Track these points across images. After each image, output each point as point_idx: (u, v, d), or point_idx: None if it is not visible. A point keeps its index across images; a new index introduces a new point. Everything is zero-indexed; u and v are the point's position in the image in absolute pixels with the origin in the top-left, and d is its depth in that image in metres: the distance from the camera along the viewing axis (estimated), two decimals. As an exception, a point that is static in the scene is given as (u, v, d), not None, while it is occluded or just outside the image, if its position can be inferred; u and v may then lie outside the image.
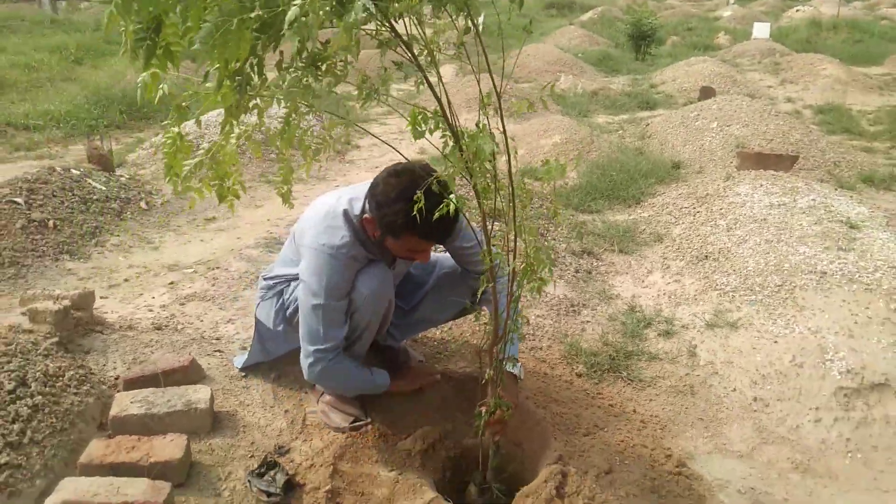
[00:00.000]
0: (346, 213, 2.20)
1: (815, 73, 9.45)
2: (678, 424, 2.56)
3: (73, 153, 6.24)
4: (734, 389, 2.72)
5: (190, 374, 2.61)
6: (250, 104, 1.47)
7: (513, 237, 1.77)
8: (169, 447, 2.15)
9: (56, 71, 10.61)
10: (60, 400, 2.29)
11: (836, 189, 4.44)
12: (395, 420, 2.45)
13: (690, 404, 2.68)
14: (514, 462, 2.34)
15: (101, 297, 3.43)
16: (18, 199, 4.12)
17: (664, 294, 3.42)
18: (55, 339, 2.73)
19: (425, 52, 1.52)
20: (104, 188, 4.68)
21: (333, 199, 2.29)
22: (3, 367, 2.30)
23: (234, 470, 2.24)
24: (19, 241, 3.86)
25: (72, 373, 2.45)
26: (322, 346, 2.20)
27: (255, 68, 1.36)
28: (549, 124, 6.37)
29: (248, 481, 2.15)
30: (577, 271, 3.62)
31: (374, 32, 1.45)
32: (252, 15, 1.20)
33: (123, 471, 2.06)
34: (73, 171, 4.76)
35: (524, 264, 1.78)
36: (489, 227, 1.81)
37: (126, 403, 2.33)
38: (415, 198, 1.74)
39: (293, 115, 1.59)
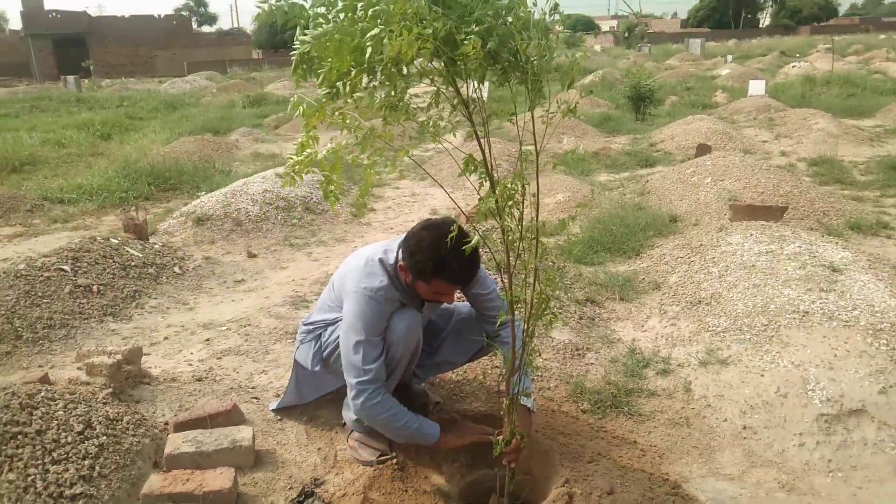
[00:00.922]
0: (381, 262, 2.54)
1: (807, 126, 9.85)
2: (675, 452, 2.82)
3: (105, 224, 6.66)
4: (725, 420, 2.98)
5: (232, 417, 2.90)
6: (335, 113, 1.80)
7: (531, 277, 2.09)
8: (219, 478, 2.43)
9: (84, 147, 11.22)
10: (121, 440, 2.59)
11: (822, 236, 4.74)
12: (418, 454, 2.72)
13: (686, 434, 2.93)
14: (527, 488, 2.60)
15: (145, 354, 3.74)
16: (66, 267, 4.49)
17: (661, 336, 3.70)
18: (110, 390, 3.05)
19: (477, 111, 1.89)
20: (141, 255, 5.05)
21: (371, 250, 2.65)
22: (71, 412, 2.61)
23: (276, 500, 2.51)
24: (67, 304, 4.22)
25: (129, 417, 2.76)
26: (364, 378, 2.47)
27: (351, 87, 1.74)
28: (553, 184, 6.74)
29: (289, 508, 2.43)
30: (580, 318, 3.91)
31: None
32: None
33: (180, 499, 2.34)
34: (113, 240, 5.15)
35: (538, 301, 2.10)
36: (511, 263, 2.12)
37: (178, 443, 2.63)
38: (444, 243, 2.15)
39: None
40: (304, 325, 2.89)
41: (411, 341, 2.59)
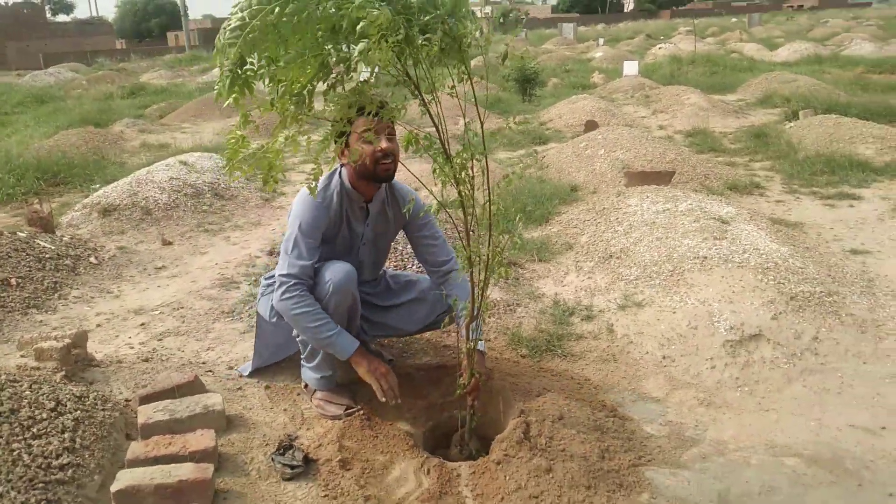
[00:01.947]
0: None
1: (681, 102, 10.70)
2: (607, 383, 3.18)
3: (-4, 221, 6.34)
4: (647, 352, 3.38)
5: (196, 387, 2.99)
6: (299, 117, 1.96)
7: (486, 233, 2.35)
8: (201, 439, 2.54)
9: (-53, 145, 10.41)
10: (94, 414, 2.64)
11: (708, 196, 5.30)
12: (381, 406, 2.92)
13: (614, 368, 3.31)
14: (485, 423, 2.88)
15: (82, 341, 3.72)
16: (-23, 262, 4.32)
17: (581, 289, 4.08)
18: (63, 373, 3.06)
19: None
20: (53, 247, 4.91)
21: None
22: (38, 392, 2.63)
23: (255, 456, 2.65)
24: (-14, 299, 4.08)
25: (94, 394, 2.80)
26: (287, 272, 2.64)
27: (308, 94, 1.90)
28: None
29: (273, 459, 2.58)
30: (507, 279, 4.23)
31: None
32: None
33: (166, 461, 2.44)
34: (20, 233, 4.96)
35: (493, 254, 2.36)
36: (468, 223, 2.36)
37: (150, 413, 2.70)
38: None
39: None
40: (265, 279, 3.04)
41: (345, 297, 2.70)
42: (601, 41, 27.44)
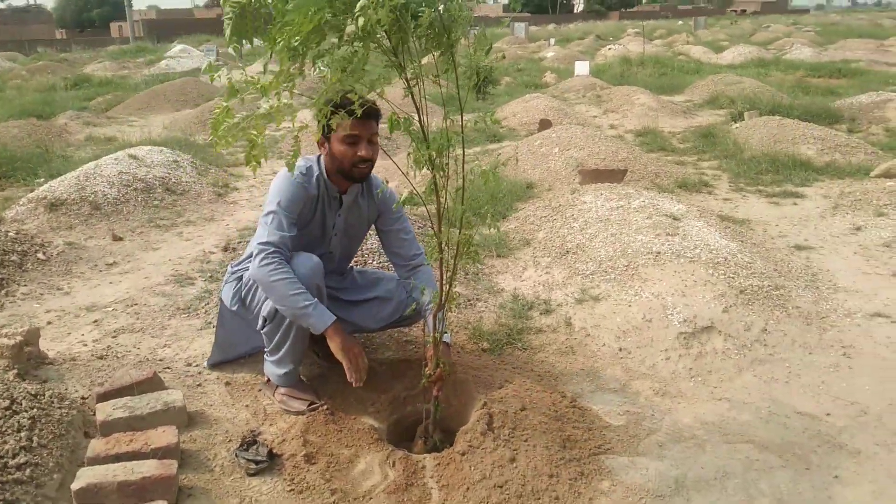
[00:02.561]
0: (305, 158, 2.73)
1: (631, 102, 10.93)
2: (566, 375, 3.25)
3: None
4: (604, 345, 3.47)
5: (154, 384, 2.94)
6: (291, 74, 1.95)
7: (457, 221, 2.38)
8: (164, 435, 2.51)
9: None
10: (51, 413, 2.58)
11: (659, 193, 5.45)
12: (345, 401, 2.93)
13: (573, 360, 3.38)
14: (449, 415, 2.91)
15: (32, 339, 3.62)
16: (-82, 258, 4.15)
17: (539, 284, 4.16)
18: (15, 371, 2.97)
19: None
20: (-2, 243, 4.75)
21: None
22: (-10, 390, 2.56)
23: (218, 451, 2.63)
24: (-72, 297, 3.93)
25: (50, 392, 2.73)
26: (267, 240, 2.63)
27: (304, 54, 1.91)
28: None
29: (236, 454, 2.56)
30: (466, 274, 4.27)
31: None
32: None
33: (128, 458, 2.40)
34: (-38, 229, 4.79)
35: (463, 241, 2.40)
36: (440, 208, 2.40)
37: (110, 410, 2.65)
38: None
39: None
40: (232, 267, 3.03)
41: (311, 288, 2.68)
42: (552, 41, 27.77)
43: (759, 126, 8.43)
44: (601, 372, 3.28)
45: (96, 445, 2.45)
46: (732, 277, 3.78)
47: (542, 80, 15.83)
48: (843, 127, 9.25)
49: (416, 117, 2.26)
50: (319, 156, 2.84)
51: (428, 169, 2.31)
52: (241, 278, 2.94)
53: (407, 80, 2.18)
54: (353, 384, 2.77)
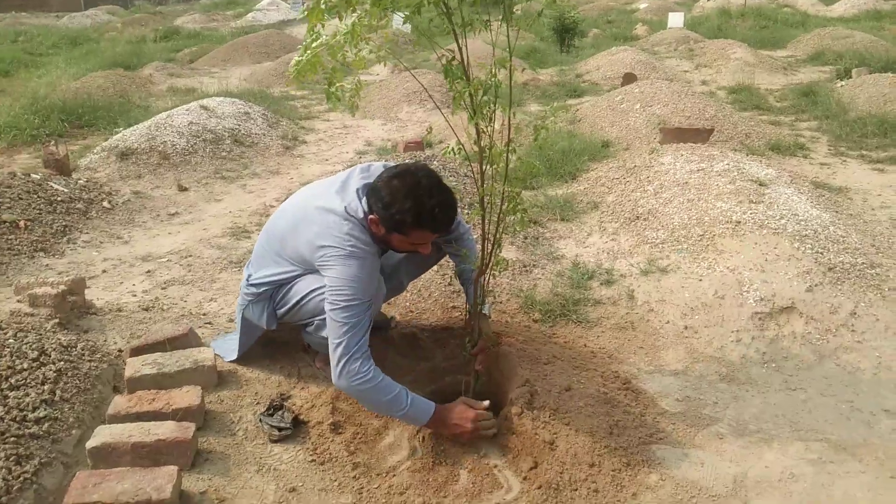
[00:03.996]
0: (352, 215, 2.34)
1: (726, 56, 10.17)
2: (623, 353, 2.98)
3: (19, 162, 6.28)
4: (668, 322, 3.16)
5: (189, 340, 2.86)
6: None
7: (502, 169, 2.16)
8: (187, 396, 2.43)
9: (-17, 84, 10.44)
10: (79, 366, 2.54)
11: (747, 155, 4.98)
12: (383, 369, 2.75)
13: (632, 336, 3.10)
14: (489, 388, 2.71)
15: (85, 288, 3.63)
16: (-13, 203, 4.25)
17: (603, 251, 3.86)
18: (56, 321, 2.96)
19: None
20: (66, 190, 4.82)
21: (326, 199, 2.40)
22: (22, 340, 2.53)
23: (244, 415, 2.53)
24: (-6, 241, 4.01)
25: (83, 344, 2.70)
26: (355, 355, 2.24)
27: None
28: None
29: (260, 419, 2.46)
30: (525, 238, 4.02)
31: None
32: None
33: (148, 418, 2.33)
34: (34, 175, 4.88)
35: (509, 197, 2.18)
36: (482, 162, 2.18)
37: (138, 366, 2.59)
38: (421, 190, 2.22)
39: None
40: (250, 284, 2.65)
41: (380, 302, 2.55)
42: (647, -8, 26.33)
43: (867, 84, 7.64)
44: (662, 351, 3.00)
45: (119, 402, 2.39)
46: (821, 252, 3.37)
47: (633, 33, 14.99)
48: (967, 86, 8.28)
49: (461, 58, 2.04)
50: (364, 219, 2.38)
51: (467, 110, 2.07)
52: (271, 297, 2.61)
53: (450, 19, 1.95)
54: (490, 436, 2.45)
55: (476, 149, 2.24)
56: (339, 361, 2.25)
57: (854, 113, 6.86)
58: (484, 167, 2.24)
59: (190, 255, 4.14)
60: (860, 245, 3.57)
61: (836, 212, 4.06)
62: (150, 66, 11.69)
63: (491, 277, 2.52)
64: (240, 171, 5.96)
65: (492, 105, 2.09)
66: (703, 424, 2.54)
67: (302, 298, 2.54)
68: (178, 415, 2.34)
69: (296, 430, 2.45)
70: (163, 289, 3.68)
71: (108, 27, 19.69)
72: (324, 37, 1.93)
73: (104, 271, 3.93)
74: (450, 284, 3.45)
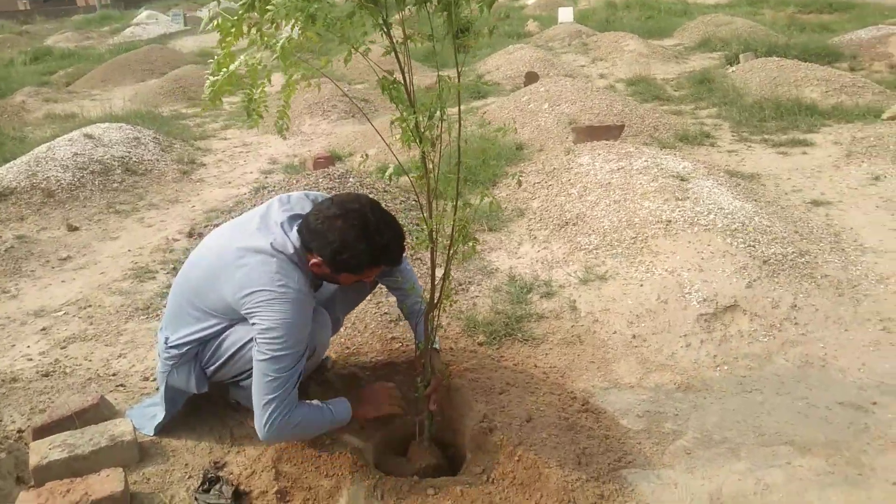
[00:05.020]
0: (280, 252, 2.13)
1: (620, 49, 10.39)
2: (574, 370, 2.87)
3: None
4: (615, 332, 3.08)
5: (101, 411, 2.53)
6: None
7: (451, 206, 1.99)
8: (107, 482, 2.12)
9: None
10: (-29, 460, 2.18)
11: (660, 149, 5.01)
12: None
13: (580, 351, 2.99)
14: (443, 427, 2.53)
15: (-31, 356, 3.20)
16: None
17: (537, 261, 3.74)
18: (-62, 404, 2.56)
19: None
20: (-64, 242, 4.28)
21: (247, 239, 2.19)
22: None
23: (176, 493, 2.24)
24: None
25: (-27, 432, 2.32)
26: (283, 403, 2.08)
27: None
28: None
29: (195, 498, 2.18)
30: (443, 250, 3.85)
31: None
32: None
33: (63, 515, 2.01)
34: None
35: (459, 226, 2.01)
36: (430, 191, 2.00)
37: (45, 451, 2.25)
38: (373, 229, 2.10)
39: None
40: (169, 347, 2.35)
41: (326, 346, 2.41)
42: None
43: (756, 69, 7.96)
44: (614, 364, 2.90)
45: (25, 501, 2.05)
46: (753, 246, 3.38)
47: (525, 30, 15.16)
48: (844, 66, 8.77)
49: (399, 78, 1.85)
50: (296, 257, 2.17)
51: (416, 143, 1.88)
52: (195, 356, 2.35)
53: (389, 35, 1.75)
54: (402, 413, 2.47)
55: (414, 177, 2.05)
56: (268, 420, 2.07)
57: (749, 97, 7.09)
58: (431, 196, 2.06)
59: (89, 305, 3.74)
60: (785, 233, 3.62)
61: (756, 200, 4.11)
62: (21, 91, 10.79)
63: (441, 311, 2.34)
64: (135, 202, 5.50)
65: (438, 130, 1.91)
66: (669, 440, 2.45)
67: (236, 352, 2.29)
68: (100, 507, 2.03)
69: (237, 502, 2.19)
70: (62, 348, 3.28)
71: (-32, 51, 18.17)
72: (241, 58, 1.70)
73: (-9, 333, 3.49)
74: (386, 313, 3.25)
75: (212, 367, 2.35)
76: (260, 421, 2.08)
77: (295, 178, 5.17)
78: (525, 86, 7.74)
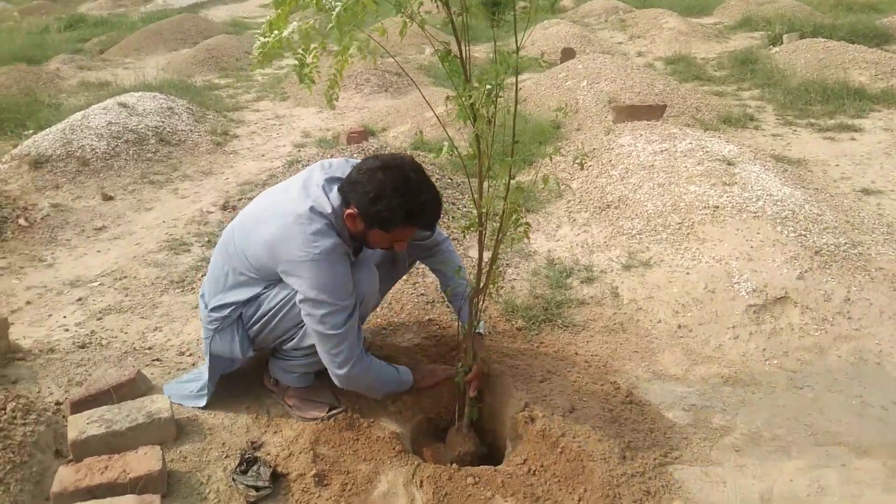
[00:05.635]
0: (317, 212, 2.12)
1: (658, 26, 10.12)
2: (617, 359, 2.79)
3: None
4: (659, 321, 2.99)
5: (138, 385, 2.52)
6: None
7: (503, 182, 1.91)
8: (145, 460, 2.09)
9: None
10: (11, 433, 2.16)
11: (704, 131, 4.86)
12: (364, 404, 2.47)
13: (624, 339, 2.91)
14: (483, 414, 2.47)
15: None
16: None
17: (576, 244, 3.65)
18: (-23, 374, 2.56)
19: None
20: (-26, 209, 4.30)
21: (288, 202, 2.18)
22: (-62, 409, 2.14)
23: (213, 472, 2.22)
24: None
25: (13, 404, 2.31)
26: (345, 350, 2.17)
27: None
28: (430, 97, 6.46)
29: (233, 479, 2.15)
30: (492, 233, 3.77)
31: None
32: None
33: (102, 493, 1.99)
34: (-66, 194, 4.33)
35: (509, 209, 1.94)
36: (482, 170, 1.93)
37: (83, 425, 2.23)
38: (412, 185, 2.05)
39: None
40: (211, 310, 2.35)
41: (374, 300, 2.38)
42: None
43: (802, 50, 7.70)
44: (658, 355, 2.81)
45: (64, 476, 2.03)
46: (804, 235, 3.26)
47: (560, 4, 14.85)
48: (894, 48, 8.46)
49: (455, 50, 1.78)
50: (334, 216, 2.16)
51: (470, 121, 1.81)
52: (238, 320, 2.33)
53: (447, 5, 1.68)
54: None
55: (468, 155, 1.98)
56: (344, 362, 2.19)
57: (795, 79, 6.87)
58: (482, 179, 1.99)
59: (125, 276, 3.73)
60: (837, 223, 3.48)
61: (805, 188, 3.97)
62: (56, 59, 10.83)
63: (487, 297, 2.27)
64: (169, 173, 5.49)
65: (494, 107, 1.83)
66: (717, 436, 2.37)
67: (277, 310, 2.28)
68: (139, 485, 2.01)
69: (275, 485, 2.16)
70: (98, 319, 3.27)
71: (4, 16, 18.28)
72: (293, 24, 1.64)
73: (28, 302, 3.48)
74: (422, 294, 3.19)
75: (255, 328, 2.33)
76: (333, 366, 2.19)
77: (329, 152, 5.11)
78: (561, 62, 7.57)
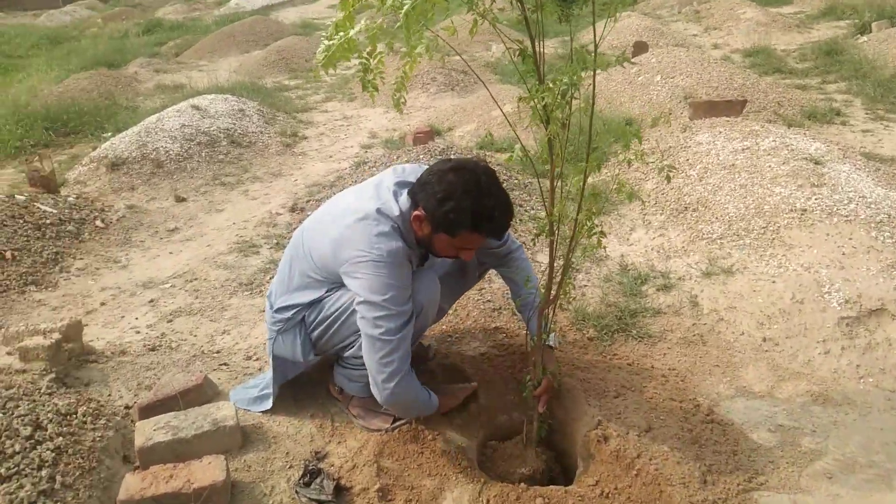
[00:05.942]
0: (384, 214, 2.09)
1: (735, 17, 9.71)
2: (696, 374, 2.63)
3: (3, 178, 5.89)
4: (742, 333, 2.81)
5: (205, 391, 2.52)
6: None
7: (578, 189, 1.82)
8: (209, 470, 2.08)
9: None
10: (81, 438, 2.19)
11: (787, 128, 4.59)
12: (428, 416, 2.39)
13: (703, 353, 2.75)
14: (552, 430, 2.37)
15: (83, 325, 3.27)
16: (-32, 234, 3.87)
17: (652, 249, 3.49)
18: (52, 376, 2.61)
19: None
20: (55, 211, 4.44)
21: (356, 202, 2.17)
22: (12, 413, 2.17)
23: (277, 483, 2.19)
24: (-22, 277, 3.64)
25: (84, 408, 2.34)
26: (395, 363, 2.08)
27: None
28: (496, 94, 6.35)
29: (297, 491, 2.11)
30: (563, 239, 3.64)
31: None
32: None
33: (167, 502, 1.98)
34: (18, 197, 4.49)
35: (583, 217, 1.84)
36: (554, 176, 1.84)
37: (150, 432, 2.24)
38: (482, 189, 1.97)
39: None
40: (275, 311, 2.36)
41: (434, 309, 2.28)
42: (638, -47, 25.66)
43: (893, 38, 7.23)
44: (741, 370, 2.64)
45: (131, 484, 2.03)
46: (902, 241, 3.01)
47: (631, -3, 14.49)
48: None
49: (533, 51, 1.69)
50: (401, 219, 2.13)
51: (542, 122, 1.72)
52: (301, 322, 2.31)
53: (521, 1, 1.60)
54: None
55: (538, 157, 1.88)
56: (389, 377, 2.09)
57: (886, 71, 6.45)
58: (554, 184, 1.89)
59: (195, 278, 3.78)
60: (939, 228, 3.21)
61: (901, 188, 3.68)
62: (134, 62, 11.21)
63: (558, 308, 2.16)
64: (239, 175, 5.56)
65: (569, 109, 1.72)
66: (806, 461, 2.20)
67: (339, 314, 2.24)
68: (203, 496, 1.99)
69: (338, 499, 2.11)
70: (169, 321, 3.32)
71: (89, 23, 19.10)
72: (361, 22, 1.57)
73: (103, 304, 3.56)
74: (489, 301, 3.10)
75: (316, 332, 2.30)
76: (381, 376, 2.09)
77: (395, 153, 5.07)
78: (633, 56, 7.33)
